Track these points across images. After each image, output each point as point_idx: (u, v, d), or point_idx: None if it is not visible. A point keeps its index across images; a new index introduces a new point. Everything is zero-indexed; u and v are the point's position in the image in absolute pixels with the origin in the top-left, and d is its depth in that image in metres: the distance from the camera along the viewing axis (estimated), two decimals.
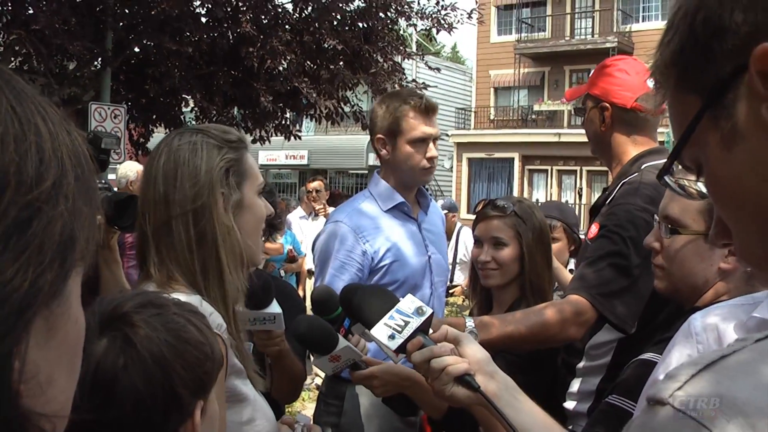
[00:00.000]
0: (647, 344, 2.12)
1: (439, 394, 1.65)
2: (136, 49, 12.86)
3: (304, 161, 32.18)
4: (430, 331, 1.73)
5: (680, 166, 0.86)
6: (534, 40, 31.74)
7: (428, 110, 3.14)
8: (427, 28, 14.45)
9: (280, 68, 12.66)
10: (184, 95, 13.65)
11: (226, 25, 12.18)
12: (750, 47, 0.71)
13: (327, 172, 25.74)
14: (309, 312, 2.32)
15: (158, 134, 13.65)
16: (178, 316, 1.38)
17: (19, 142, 0.58)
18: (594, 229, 2.72)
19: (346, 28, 12.94)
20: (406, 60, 14.80)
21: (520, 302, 2.80)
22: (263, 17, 12.39)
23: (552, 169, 30.36)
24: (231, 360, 1.75)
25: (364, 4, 12.97)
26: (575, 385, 2.72)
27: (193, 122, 14.10)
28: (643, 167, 2.67)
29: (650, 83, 2.60)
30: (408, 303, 1.74)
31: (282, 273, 8.26)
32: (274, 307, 2.18)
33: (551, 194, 29.69)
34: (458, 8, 14.00)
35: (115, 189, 4.72)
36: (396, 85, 13.03)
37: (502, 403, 1.57)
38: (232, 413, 1.76)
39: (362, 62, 13.11)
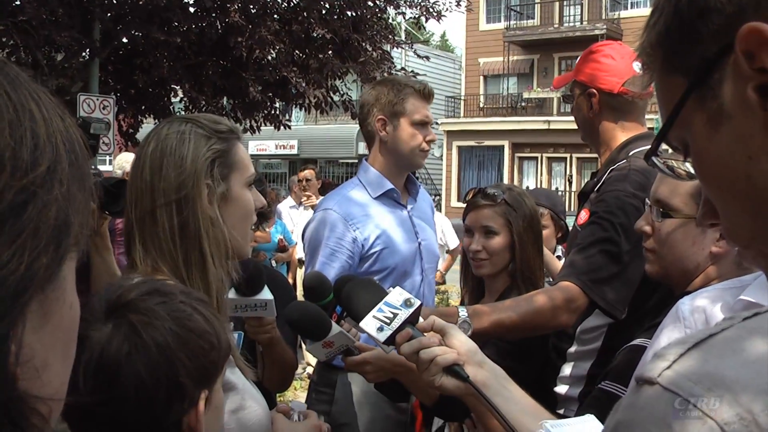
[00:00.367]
0: (638, 329, 2.13)
1: (428, 385, 1.66)
2: (124, 40, 12.72)
3: (294, 151, 32.15)
4: (420, 320, 1.74)
5: (668, 148, 0.87)
6: (523, 28, 31.74)
7: (429, 96, 3.23)
8: (416, 16, 14.37)
9: (269, 58, 12.58)
10: (173, 86, 13.53)
11: (214, 14, 12.08)
12: (735, 27, 0.71)
13: (317, 162, 25.70)
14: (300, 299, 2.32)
15: (147, 125, 13.53)
16: (185, 304, 1.37)
17: (14, 128, 0.58)
18: (584, 215, 2.72)
19: (335, 17, 12.84)
20: (395, 48, 14.71)
21: (511, 290, 2.80)
22: (251, 7, 12.30)
23: (542, 157, 30.43)
24: None
25: None
26: (566, 370, 2.73)
27: (183, 113, 14.02)
28: (631, 153, 2.68)
29: (637, 67, 2.61)
30: (396, 295, 1.75)
31: (273, 263, 8.24)
32: (266, 294, 2.17)
33: (541, 182, 29.76)
34: None
35: None
36: (385, 74, 12.96)
37: (491, 392, 1.58)
38: None
39: (351, 51, 13.04)
